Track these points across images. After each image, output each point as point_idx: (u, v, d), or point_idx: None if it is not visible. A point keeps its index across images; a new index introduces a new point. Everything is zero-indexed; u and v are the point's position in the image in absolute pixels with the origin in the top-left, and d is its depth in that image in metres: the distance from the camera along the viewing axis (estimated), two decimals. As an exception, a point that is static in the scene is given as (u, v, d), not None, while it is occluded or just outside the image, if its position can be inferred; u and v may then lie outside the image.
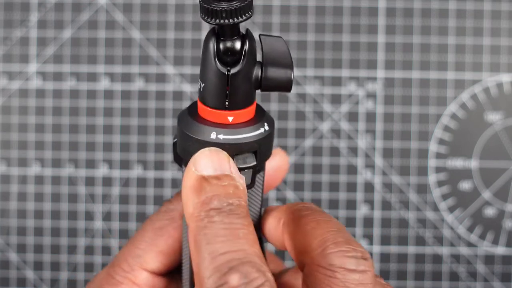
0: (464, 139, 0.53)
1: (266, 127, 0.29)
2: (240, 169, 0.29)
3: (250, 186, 0.30)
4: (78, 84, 0.53)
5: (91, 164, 0.53)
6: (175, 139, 0.30)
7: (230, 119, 0.29)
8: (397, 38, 0.53)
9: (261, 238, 0.34)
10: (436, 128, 0.53)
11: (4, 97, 0.53)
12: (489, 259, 0.52)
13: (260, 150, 0.29)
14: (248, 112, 0.29)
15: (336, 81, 0.53)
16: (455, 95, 0.53)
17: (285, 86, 0.28)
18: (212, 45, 0.27)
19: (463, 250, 0.52)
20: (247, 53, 0.28)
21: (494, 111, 0.53)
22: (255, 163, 0.29)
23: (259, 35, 0.29)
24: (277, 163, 0.35)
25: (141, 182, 0.53)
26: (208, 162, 0.27)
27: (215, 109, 0.29)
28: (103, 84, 0.53)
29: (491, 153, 0.53)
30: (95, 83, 0.53)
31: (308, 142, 0.53)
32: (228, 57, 0.27)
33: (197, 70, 0.53)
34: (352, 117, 0.53)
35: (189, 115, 0.29)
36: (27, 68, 0.53)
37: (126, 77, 0.53)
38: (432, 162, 0.53)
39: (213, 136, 0.28)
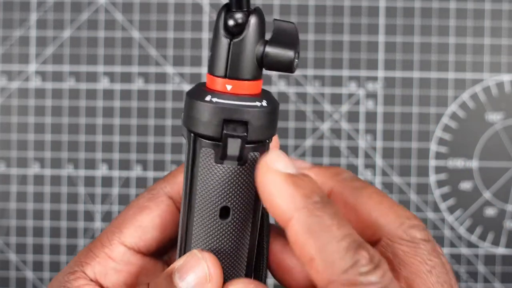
0: (465, 139, 0.53)
1: (264, 103, 0.31)
2: (229, 136, 0.30)
3: (239, 159, 0.31)
4: (77, 84, 0.53)
5: (90, 164, 0.53)
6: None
7: (229, 87, 0.30)
8: (397, 38, 0.53)
9: (268, 234, 0.34)
10: (436, 128, 0.53)
11: (4, 97, 0.53)
12: (489, 260, 0.52)
13: (252, 124, 0.30)
14: (249, 86, 0.31)
15: (336, 81, 0.53)
16: (456, 95, 0.53)
17: (285, 65, 0.30)
18: (222, 15, 0.30)
19: (464, 251, 0.52)
20: (250, 25, 0.30)
21: (495, 111, 0.53)
22: (244, 134, 0.30)
23: (274, 19, 0.31)
24: None
25: (141, 182, 0.53)
26: (287, 162, 0.29)
27: (216, 77, 0.31)
28: (103, 84, 0.53)
29: (492, 153, 0.53)
30: (95, 83, 0.53)
31: (308, 142, 0.53)
32: (233, 27, 0.30)
33: (196, 70, 0.53)
34: (352, 117, 0.53)
35: (199, 85, 0.32)
36: (27, 68, 0.53)
37: (126, 77, 0.53)
38: (432, 162, 0.53)
39: (207, 98, 0.30)
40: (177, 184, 0.35)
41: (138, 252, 0.35)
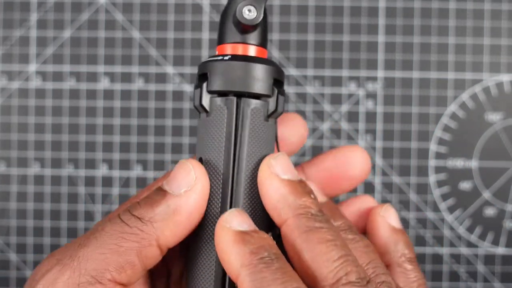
0: (465, 139, 0.53)
1: (226, 58, 0.33)
2: (195, 87, 0.34)
3: (199, 108, 0.34)
4: (78, 84, 0.53)
5: (91, 164, 0.53)
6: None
7: (217, 52, 0.34)
8: (397, 38, 0.53)
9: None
10: (436, 128, 0.53)
11: (4, 97, 0.53)
12: (489, 259, 0.52)
13: (211, 74, 0.33)
14: (227, 48, 0.33)
15: (336, 81, 0.53)
16: (455, 95, 0.53)
17: (236, 16, 0.33)
18: None
19: (463, 250, 0.52)
20: None
21: (495, 111, 0.53)
22: (203, 84, 0.33)
23: None
24: (293, 128, 0.38)
25: (141, 182, 0.53)
26: (242, 219, 0.31)
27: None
28: (103, 84, 0.53)
29: (492, 153, 0.53)
30: (95, 83, 0.53)
31: (308, 142, 0.53)
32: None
33: (196, 70, 0.53)
34: (352, 117, 0.53)
35: None
36: (27, 68, 0.53)
37: (126, 77, 0.53)
38: (432, 162, 0.53)
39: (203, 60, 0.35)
40: None
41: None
